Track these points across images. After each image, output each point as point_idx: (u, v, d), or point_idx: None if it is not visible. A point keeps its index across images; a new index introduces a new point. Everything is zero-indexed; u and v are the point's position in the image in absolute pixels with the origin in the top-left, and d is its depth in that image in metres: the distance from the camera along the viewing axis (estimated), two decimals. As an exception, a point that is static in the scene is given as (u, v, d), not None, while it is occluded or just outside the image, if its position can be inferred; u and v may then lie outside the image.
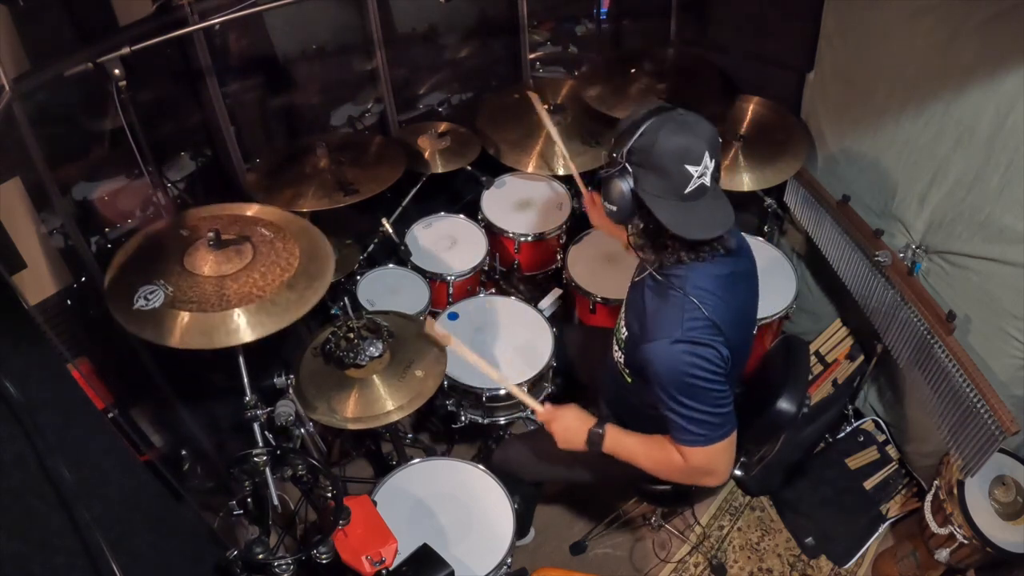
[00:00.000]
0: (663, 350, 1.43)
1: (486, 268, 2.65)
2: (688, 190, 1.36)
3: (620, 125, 1.42)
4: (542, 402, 1.78)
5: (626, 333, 1.64)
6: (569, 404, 1.72)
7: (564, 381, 2.33)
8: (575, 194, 2.79)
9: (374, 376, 1.93)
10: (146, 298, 1.53)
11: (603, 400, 1.94)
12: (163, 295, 1.54)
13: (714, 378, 1.43)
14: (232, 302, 1.54)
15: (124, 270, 1.62)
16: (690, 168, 1.35)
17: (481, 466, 1.96)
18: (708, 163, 1.36)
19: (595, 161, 2.59)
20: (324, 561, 1.49)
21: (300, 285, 1.61)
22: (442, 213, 2.75)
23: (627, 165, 1.38)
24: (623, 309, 1.70)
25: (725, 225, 1.42)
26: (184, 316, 1.50)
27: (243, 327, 1.51)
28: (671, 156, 1.34)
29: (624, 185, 1.39)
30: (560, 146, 2.34)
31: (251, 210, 1.85)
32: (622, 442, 1.63)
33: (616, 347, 1.71)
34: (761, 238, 2.64)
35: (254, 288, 1.57)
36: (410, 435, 2.61)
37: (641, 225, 1.45)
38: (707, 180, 1.38)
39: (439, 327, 1.97)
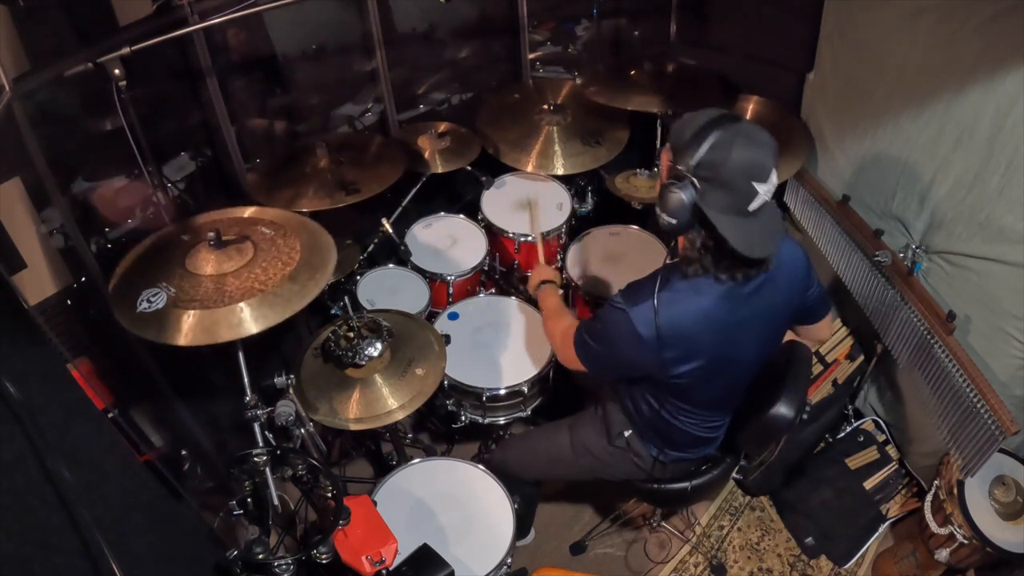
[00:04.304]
0: (616, 297, 1.52)
1: (486, 268, 2.65)
2: (752, 207, 1.34)
3: (680, 134, 1.37)
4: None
5: None
6: (549, 270, 2.14)
7: (564, 382, 2.33)
8: (575, 194, 2.79)
9: (375, 375, 1.94)
10: (149, 300, 1.53)
11: (611, 393, 1.93)
12: (165, 296, 1.54)
13: (614, 341, 1.54)
14: (234, 297, 1.54)
15: (126, 276, 1.63)
16: (757, 185, 1.32)
17: (481, 466, 1.96)
18: (774, 179, 1.33)
19: (595, 161, 2.59)
20: (324, 561, 1.49)
21: (302, 277, 1.61)
22: (442, 213, 2.75)
23: (693, 179, 1.34)
24: None
25: (778, 241, 1.42)
26: (187, 315, 1.51)
27: (246, 320, 1.51)
28: (741, 173, 1.31)
29: (687, 198, 1.34)
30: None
31: (250, 211, 1.86)
32: (551, 296, 2.02)
33: None
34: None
35: (256, 283, 1.58)
36: (410, 435, 2.61)
37: (699, 240, 1.41)
38: (769, 196, 1.35)
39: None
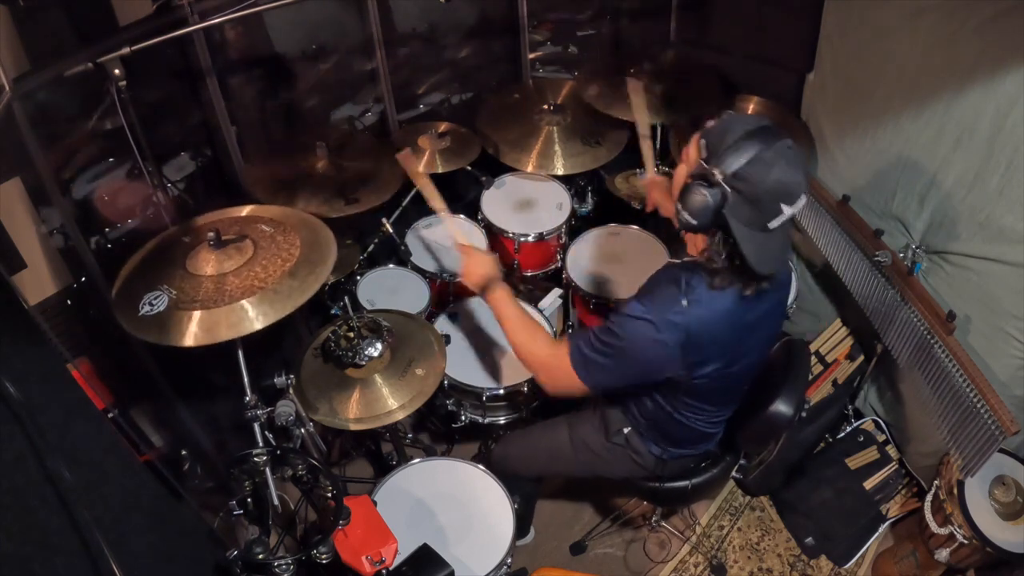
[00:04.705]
0: (636, 308, 1.47)
1: (486, 268, 2.64)
2: (772, 225, 1.33)
3: (720, 135, 1.33)
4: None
5: None
6: (491, 253, 1.86)
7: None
8: (575, 194, 2.79)
9: (375, 375, 1.94)
10: (151, 304, 1.53)
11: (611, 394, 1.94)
12: (167, 299, 1.54)
13: (635, 356, 1.47)
14: (235, 296, 1.54)
15: (127, 280, 1.63)
16: (784, 207, 1.31)
17: (481, 466, 1.96)
18: (801, 204, 1.33)
19: (595, 161, 2.59)
20: (324, 561, 1.49)
21: (302, 272, 1.61)
22: (442, 213, 2.75)
23: (725, 187, 1.31)
24: None
25: (786, 260, 1.43)
26: (189, 316, 1.51)
27: (247, 318, 1.52)
28: (774, 194, 1.30)
29: (712, 202, 1.32)
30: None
31: (249, 210, 1.86)
32: (507, 303, 1.72)
33: None
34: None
35: (256, 281, 1.58)
36: (410, 435, 2.61)
37: (716, 246, 1.40)
38: (790, 218, 1.34)
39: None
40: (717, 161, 1.32)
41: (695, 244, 1.50)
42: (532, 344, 1.67)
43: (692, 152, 1.41)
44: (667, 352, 1.45)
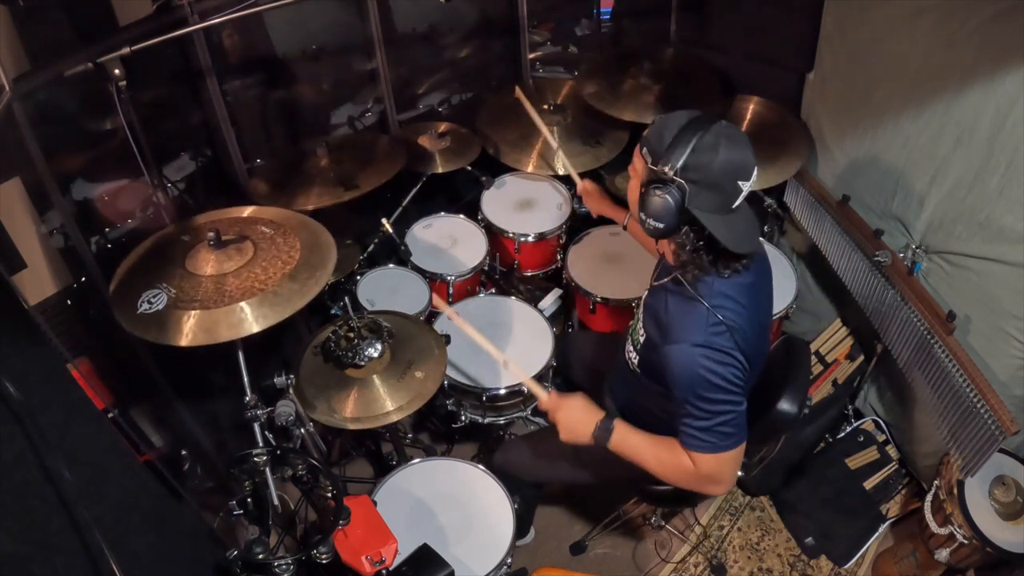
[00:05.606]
0: (683, 353, 1.41)
1: (486, 268, 2.65)
2: (735, 204, 1.36)
3: (658, 137, 1.36)
4: (547, 389, 1.74)
5: (644, 335, 1.61)
6: (576, 393, 1.67)
7: (563, 382, 2.33)
8: (574, 193, 2.79)
9: (374, 376, 1.94)
10: (149, 302, 1.54)
11: (610, 400, 1.93)
12: (166, 297, 1.54)
13: (730, 387, 1.42)
14: (234, 297, 1.54)
15: (127, 277, 1.63)
16: (742, 184, 1.34)
17: (481, 466, 1.96)
18: (755, 177, 1.35)
19: (595, 161, 2.60)
20: (324, 561, 1.49)
21: (302, 276, 1.61)
22: (442, 213, 2.75)
23: (680, 181, 1.33)
24: (640, 310, 1.67)
25: (758, 234, 1.43)
26: (188, 315, 1.51)
27: (246, 320, 1.52)
28: (729, 173, 1.32)
29: (673, 201, 1.34)
30: (551, 140, 2.49)
31: (249, 211, 1.86)
32: (629, 440, 1.59)
33: (631, 347, 1.69)
34: (761, 238, 2.64)
35: (255, 283, 1.58)
36: (410, 435, 2.61)
37: (689, 242, 1.41)
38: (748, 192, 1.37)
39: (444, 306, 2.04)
40: (664, 161, 1.34)
41: (671, 249, 1.50)
42: (679, 466, 1.52)
43: (638, 163, 1.44)
44: (739, 362, 1.43)
